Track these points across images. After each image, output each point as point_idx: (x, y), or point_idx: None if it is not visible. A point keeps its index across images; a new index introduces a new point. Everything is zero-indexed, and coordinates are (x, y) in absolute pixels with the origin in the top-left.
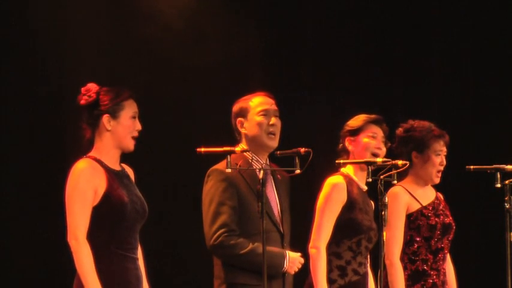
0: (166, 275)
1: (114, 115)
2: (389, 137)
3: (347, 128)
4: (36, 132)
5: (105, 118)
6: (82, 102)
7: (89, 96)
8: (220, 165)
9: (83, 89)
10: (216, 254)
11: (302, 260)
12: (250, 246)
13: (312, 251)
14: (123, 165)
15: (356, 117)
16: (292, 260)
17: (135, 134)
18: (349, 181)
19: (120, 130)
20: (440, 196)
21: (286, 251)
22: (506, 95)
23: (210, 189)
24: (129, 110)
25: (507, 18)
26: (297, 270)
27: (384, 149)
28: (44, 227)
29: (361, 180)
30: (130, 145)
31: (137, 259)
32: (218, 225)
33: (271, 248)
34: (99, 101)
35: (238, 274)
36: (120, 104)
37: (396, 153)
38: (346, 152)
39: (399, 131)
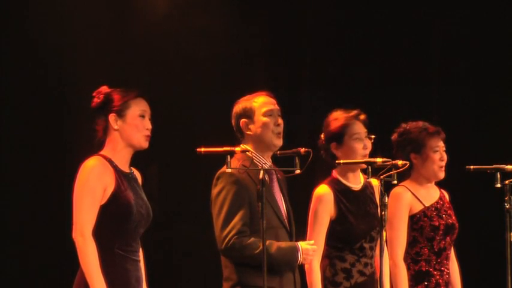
0: (168, 275)
1: (120, 114)
2: (370, 128)
3: (329, 133)
4: (37, 132)
5: (112, 117)
6: (92, 104)
7: (98, 98)
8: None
9: (95, 92)
10: (229, 256)
11: (315, 248)
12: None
13: (305, 266)
14: (132, 168)
15: (334, 118)
16: (306, 251)
17: (146, 133)
18: (338, 187)
19: (127, 128)
20: (445, 195)
21: (299, 243)
22: (506, 95)
23: (221, 192)
24: (136, 108)
25: (507, 18)
26: (312, 258)
27: (370, 144)
28: (46, 226)
29: (353, 180)
30: (142, 142)
31: (138, 261)
32: (229, 229)
33: (282, 243)
34: (107, 101)
35: (251, 275)
36: (126, 103)
37: (395, 159)
38: (332, 158)
39: (394, 136)
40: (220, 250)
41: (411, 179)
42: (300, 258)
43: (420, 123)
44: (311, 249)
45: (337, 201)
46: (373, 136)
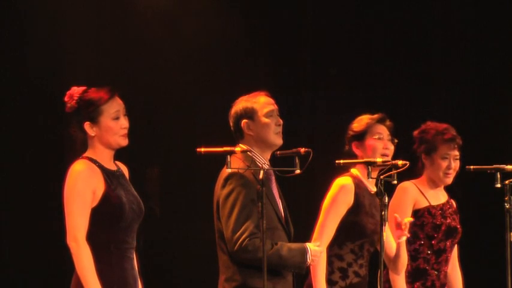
0: (165, 274)
1: (94, 121)
2: (395, 132)
3: (351, 132)
4: (34, 133)
5: (87, 125)
6: (67, 109)
7: (71, 103)
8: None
9: (66, 96)
10: (241, 258)
11: (322, 250)
12: (274, 248)
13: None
14: (117, 163)
15: (359, 119)
16: (314, 252)
17: (122, 132)
18: (358, 183)
19: (104, 134)
20: (453, 203)
21: (307, 245)
22: (506, 95)
23: (231, 194)
24: (108, 113)
25: (508, 18)
26: (318, 260)
27: (392, 147)
28: (42, 229)
29: (371, 182)
30: (120, 142)
31: (133, 259)
32: (242, 230)
33: (292, 245)
34: (80, 108)
35: (256, 277)
36: (98, 109)
37: (414, 153)
38: (354, 156)
39: (415, 132)
40: (233, 252)
41: (421, 178)
42: (309, 260)
43: (442, 127)
44: (319, 251)
45: (356, 194)
46: (396, 140)
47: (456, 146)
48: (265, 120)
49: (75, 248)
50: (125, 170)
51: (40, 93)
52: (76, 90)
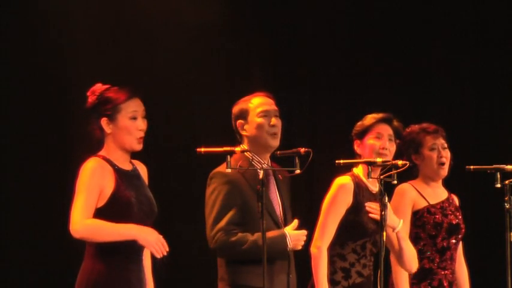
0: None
1: (111, 118)
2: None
3: (354, 130)
4: (38, 131)
5: (104, 121)
6: (87, 104)
7: (92, 99)
8: (222, 168)
9: (89, 91)
10: (221, 255)
11: (305, 232)
12: (251, 239)
13: (313, 250)
14: (135, 162)
15: (364, 118)
16: (295, 236)
17: (138, 134)
18: (358, 182)
19: (119, 133)
20: (454, 198)
21: (285, 230)
22: (506, 95)
23: (213, 192)
24: (126, 111)
25: (507, 18)
26: (303, 243)
27: (392, 148)
28: (45, 227)
29: (372, 182)
30: (134, 145)
31: (141, 260)
32: (218, 228)
33: (270, 233)
34: (99, 104)
35: (243, 276)
36: (116, 107)
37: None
38: (357, 155)
39: (400, 142)
40: (212, 249)
41: (418, 179)
42: (290, 245)
43: (422, 125)
44: (301, 235)
45: (356, 194)
46: (397, 141)
47: (441, 136)
48: (257, 120)
49: (76, 226)
50: (143, 170)
51: (41, 92)
52: (99, 87)
